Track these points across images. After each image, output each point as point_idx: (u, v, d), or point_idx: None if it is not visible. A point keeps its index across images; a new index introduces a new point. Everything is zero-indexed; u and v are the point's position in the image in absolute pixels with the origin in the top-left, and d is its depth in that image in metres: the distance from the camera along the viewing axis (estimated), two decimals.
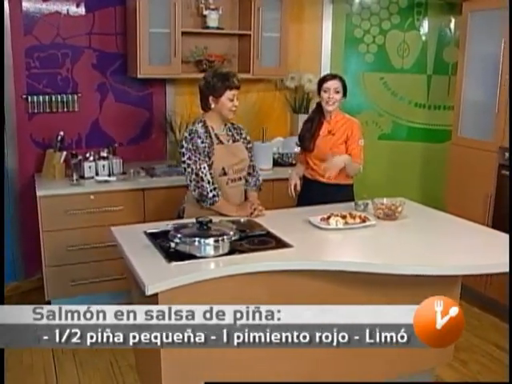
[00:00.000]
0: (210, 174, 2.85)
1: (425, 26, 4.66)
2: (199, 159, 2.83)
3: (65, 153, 3.79)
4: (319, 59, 4.69)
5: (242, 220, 2.79)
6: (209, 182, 2.83)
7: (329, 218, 2.76)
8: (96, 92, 4.12)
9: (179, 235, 2.35)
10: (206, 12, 4.08)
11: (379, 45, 4.74)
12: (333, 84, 3.23)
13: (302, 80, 4.47)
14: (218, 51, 4.26)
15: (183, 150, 2.87)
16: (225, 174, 2.92)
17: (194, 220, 2.48)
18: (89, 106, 4.10)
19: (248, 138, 3.11)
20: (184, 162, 2.87)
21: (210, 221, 2.42)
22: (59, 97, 3.96)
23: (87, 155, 3.79)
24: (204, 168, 2.83)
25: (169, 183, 3.78)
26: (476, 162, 3.89)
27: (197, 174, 2.83)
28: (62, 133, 3.80)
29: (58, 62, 3.96)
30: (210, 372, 2.31)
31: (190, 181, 2.86)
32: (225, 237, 2.35)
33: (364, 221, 2.77)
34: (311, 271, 2.34)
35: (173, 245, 2.33)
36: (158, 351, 2.21)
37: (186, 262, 2.26)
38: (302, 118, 4.58)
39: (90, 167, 3.77)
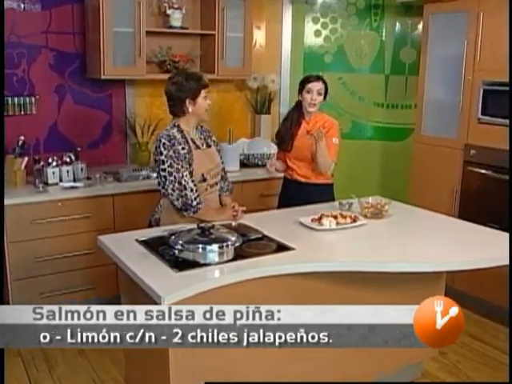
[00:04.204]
0: (192, 181, 2.74)
1: (382, 27, 4.76)
2: (182, 167, 2.70)
3: (26, 158, 3.57)
4: (279, 59, 4.70)
5: (233, 223, 2.73)
6: (191, 190, 2.71)
7: (320, 218, 2.76)
8: (54, 94, 3.91)
9: (181, 242, 2.28)
10: (169, 11, 3.97)
11: (338, 45, 4.80)
12: (316, 86, 3.22)
13: (266, 80, 4.46)
14: (181, 51, 4.16)
15: (163, 157, 2.70)
16: (204, 180, 2.82)
17: (191, 226, 2.42)
18: (47, 108, 3.89)
19: (216, 140, 3.04)
20: (164, 169, 2.70)
21: (213, 226, 2.36)
22: (16, 99, 3.73)
23: (50, 160, 3.58)
24: (186, 176, 2.71)
25: (137, 188, 3.65)
26: (440, 159, 4.01)
27: (180, 183, 2.70)
28: (22, 137, 3.57)
29: (13, 62, 3.71)
30: (214, 373, 2.25)
31: (173, 190, 2.70)
32: (229, 243, 2.30)
33: (355, 220, 2.79)
34: (317, 272, 2.32)
35: (176, 252, 2.25)
36: (166, 354, 2.13)
37: (195, 270, 2.19)
38: (265, 118, 4.61)
39: (53, 173, 3.58)
